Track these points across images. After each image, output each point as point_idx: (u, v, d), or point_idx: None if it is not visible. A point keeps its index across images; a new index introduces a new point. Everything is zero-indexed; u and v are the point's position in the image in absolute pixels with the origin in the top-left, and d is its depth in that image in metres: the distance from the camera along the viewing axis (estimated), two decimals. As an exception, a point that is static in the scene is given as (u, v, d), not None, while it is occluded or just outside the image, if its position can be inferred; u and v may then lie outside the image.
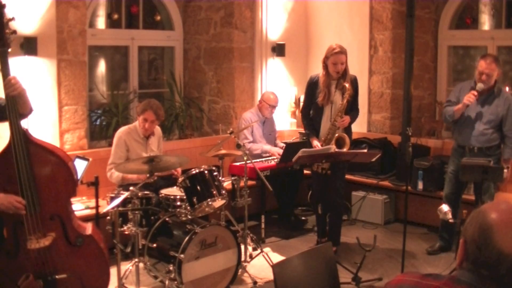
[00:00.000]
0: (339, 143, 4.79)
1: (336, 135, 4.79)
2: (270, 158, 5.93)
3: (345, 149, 4.76)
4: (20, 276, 3.08)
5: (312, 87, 4.97)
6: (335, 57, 4.73)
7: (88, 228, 3.48)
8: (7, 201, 3.07)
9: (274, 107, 6.04)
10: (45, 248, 3.19)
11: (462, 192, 5.11)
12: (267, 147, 6.01)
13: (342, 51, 4.75)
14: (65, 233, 3.30)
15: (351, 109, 4.93)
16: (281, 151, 5.86)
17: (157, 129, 4.99)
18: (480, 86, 4.72)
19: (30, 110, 3.33)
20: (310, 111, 5.03)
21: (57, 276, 3.23)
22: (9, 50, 3.13)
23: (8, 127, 3.15)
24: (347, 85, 4.74)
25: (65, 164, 3.29)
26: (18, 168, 3.11)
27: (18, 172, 3.11)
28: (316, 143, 4.86)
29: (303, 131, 5.18)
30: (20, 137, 3.12)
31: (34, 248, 3.16)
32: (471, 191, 5.21)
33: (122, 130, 4.82)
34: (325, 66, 4.84)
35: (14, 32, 3.17)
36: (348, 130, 4.95)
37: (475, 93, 4.71)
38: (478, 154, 4.81)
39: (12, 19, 3.17)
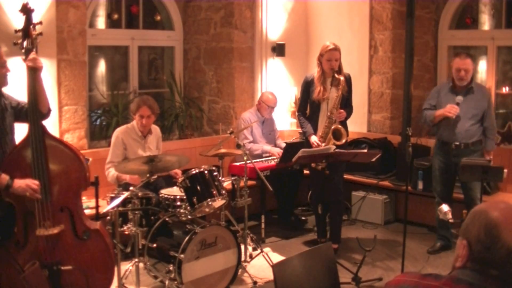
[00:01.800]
0: (336, 135, 4.84)
1: (333, 127, 4.83)
2: (270, 158, 5.94)
3: (343, 141, 4.82)
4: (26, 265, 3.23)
5: (307, 86, 5.03)
6: (329, 54, 4.82)
7: (96, 224, 3.61)
8: (24, 184, 3.24)
9: (272, 107, 6.05)
10: (53, 236, 3.32)
11: (453, 190, 5.14)
12: (267, 147, 6.01)
13: (336, 48, 4.85)
14: (73, 226, 3.44)
15: (345, 106, 4.97)
16: (281, 151, 5.86)
17: (156, 129, 4.99)
18: (459, 98, 4.82)
19: (48, 110, 3.56)
20: (306, 110, 5.08)
21: (62, 267, 3.35)
22: (34, 49, 3.44)
23: (26, 129, 3.39)
24: (341, 78, 4.80)
25: (79, 160, 3.46)
26: (33, 156, 3.29)
27: (32, 160, 3.29)
28: (314, 139, 4.89)
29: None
30: (37, 124, 3.33)
31: (43, 235, 3.28)
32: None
33: (119, 129, 4.82)
34: (320, 64, 4.93)
35: (40, 34, 3.50)
36: (344, 127, 4.97)
37: (456, 107, 4.80)
38: (464, 150, 4.90)
39: (40, 23, 3.51)
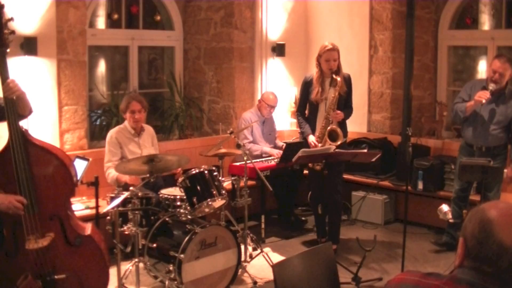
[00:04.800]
0: (332, 136, 4.84)
1: (328, 128, 4.83)
2: (270, 158, 5.93)
3: (338, 142, 4.80)
4: (19, 277, 3.06)
5: (306, 86, 5.04)
6: (328, 54, 4.81)
7: (88, 228, 3.47)
8: (7, 201, 3.06)
9: (273, 107, 6.05)
10: (44, 249, 3.17)
11: (471, 190, 5.09)
12: (267, 148, 6.00)
13: (334, 48, 4.83)
14: (64, 233, 3.29)
15: (345, 107, 4.97)
16: (280, 152, 5.87)
17: (149, 128, 5.03)
18: (492, 86, 4.67)
19: (29, 112, 3.36)
20: (305, 111, 5.09)
21: (56, 276, 3.22)
22: (8, 50, 3.13)
23: (7, 127, 3.14)
24: (338, 78, 4.79)
25: (64, 165, 3.27)
26: (16, 168, 3.10)
27: (16, 172, 3.10)
28: (311, 139, 4.90)
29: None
30: (18, 137, 3.11)
31: (33, 249, 3.14)
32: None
33: (113, 130, 4.86)
34: (319, 64, 4.92)
35: (13, 32, 3.18)
36: (343, 127, 4.98)
37: (488, 93, 4.65)
38: (485, 153, 4.79)
39: (11, 19, 3.17)
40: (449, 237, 5.17)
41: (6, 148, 3.15)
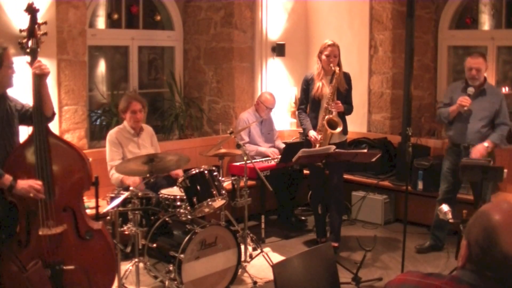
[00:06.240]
0: (331, 124, 4.88)
1: (327, 117, 4.86)
2: (270, 158, 5.93)
3: (339, 129, 4.86)
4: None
5: (307, 84, 5.09)
6: (328, 50, 4.91)
7: (98, 224, 3.64)
8: (27, 185, 3.25)
9: (271, 108, 6.05)
10: (56, 236, 3.33)
11: (458, 191, 5.11)
12: (262, 148, 5.99)
13: (335, 44, 4.93)
14: (76, 226, 3.46)
15: (345, 104, 5.00)
16: (276, 152, 5.87)
17: (148, 127, 5.05)
18: (470, 90, 4.75)
19: (53, 114, 3.58)
20: (306, 108, 5.13)
21: (64, 267, 3.36)
22: (39, 49, 3.47)
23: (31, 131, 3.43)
24: (337, 68, 4.85)
25: (82, 159, 3.49)
26: (36, 156, 3.30)
27: (36, 160, 3.30)
28: (312, 133, 4.94)
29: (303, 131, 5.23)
30: (42, 125, 3.36)
31: (46, 235, 3.30)
32: (467, 191, 5.22)
33: (112, 131, 4.87)
34: (320, 61, 4.98)
35: (45, 33, 3.54)
36: (343, 125, 4.99)
37: (468, 98, 4.72)
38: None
39: (45, 23, 3.56)
40: (435, 240, 5.16)
41: (29, 138, 3.39)
